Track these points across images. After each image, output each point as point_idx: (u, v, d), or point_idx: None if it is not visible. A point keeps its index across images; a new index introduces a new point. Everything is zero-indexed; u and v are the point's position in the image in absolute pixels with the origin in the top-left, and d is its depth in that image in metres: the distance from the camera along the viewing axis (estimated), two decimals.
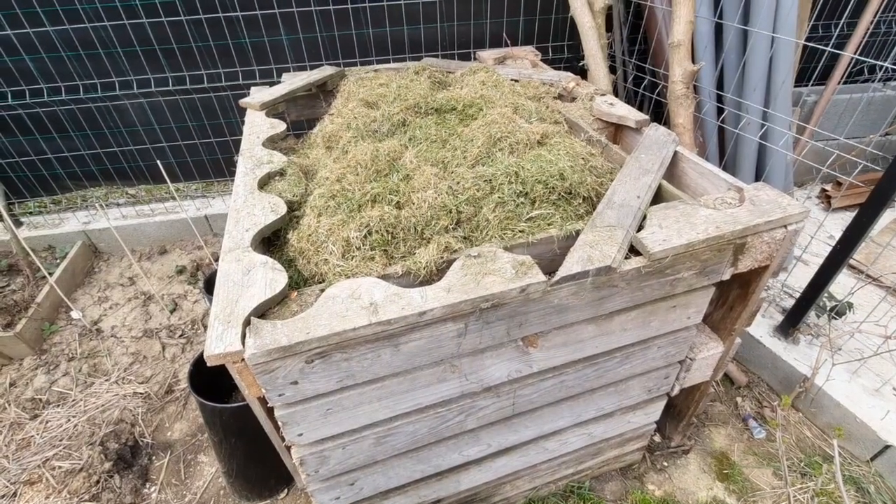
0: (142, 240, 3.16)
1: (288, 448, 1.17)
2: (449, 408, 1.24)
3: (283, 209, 1.28)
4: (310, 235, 1.21)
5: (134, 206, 3.19)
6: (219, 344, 0.90)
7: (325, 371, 0.99)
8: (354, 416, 1.13)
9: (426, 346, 1.05)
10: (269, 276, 1.04)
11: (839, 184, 3.12)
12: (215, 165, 3.21)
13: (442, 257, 1.13)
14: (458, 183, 1.32)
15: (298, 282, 1.21)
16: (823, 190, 3.23)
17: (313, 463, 1.18)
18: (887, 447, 1.82)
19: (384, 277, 1.09)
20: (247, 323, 0.94)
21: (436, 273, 1.12)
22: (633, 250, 1.15)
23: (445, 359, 1.11)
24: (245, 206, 1.29)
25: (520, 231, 1.23)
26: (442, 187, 1.29)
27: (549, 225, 1.25)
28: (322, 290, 1.04)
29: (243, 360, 0.90)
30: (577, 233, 1.19)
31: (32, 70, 2.68)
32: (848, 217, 2.99)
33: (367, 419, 1.15)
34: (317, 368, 0.98)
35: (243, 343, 0.90)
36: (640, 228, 1.18)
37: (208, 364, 0.90)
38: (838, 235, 1.86)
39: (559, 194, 1.30)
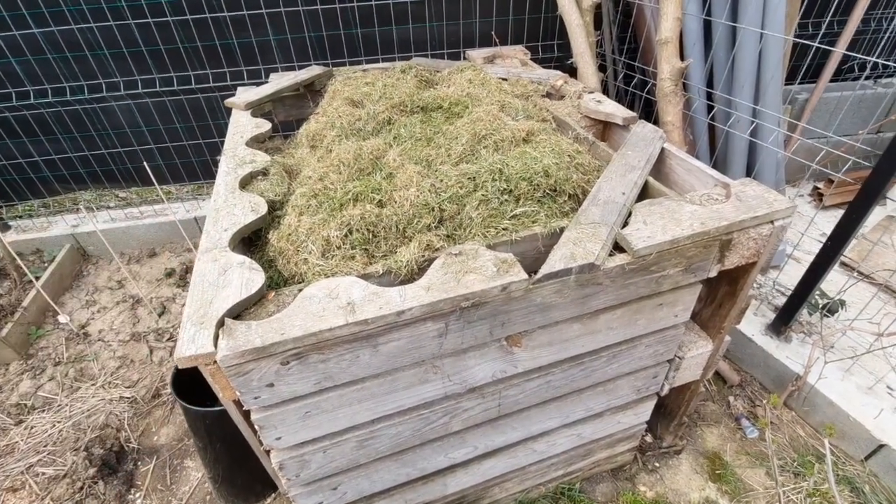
0: (131, 242, 3.13)
1: (267, 452, 1.14)
2: (433, 409, 1.22)
3: (263, 209, 1.26)
4: (290, 235, 1.19)
5: (123, 209, 3.17)
6: (190, 346, 0.87)
7: (301, 373, 0.97)
8: (334, 418, 1.10)
9: (406, 347, 1.03)
10: (246, 276, 1.02)
11: (831, 181, 3.12)
12: (204, 167, 3.19)
13: (423, 256, 1.11)
14: (442, 181, 1.30)
15: (279, 282, 1.19)
16: (815, 188, 3.22)
17: (293, 467, 1.16)
18: (881, 446, 1.80)
19: (364, 277, 1.07)
20: (220, 324, 0.92)
21: (417, 272, 1.10)
22: (619, 247, 1.13)
23: (427, 359, 1.09)
24: (225, 205, 1.27)
25: (503, 229, 1.21)
26: (425, 185, 1.27)
27: (533, 222, 1.23)
28: (300, 290, 1.01)
29: (216, 362, 0.88)
30: (562, 230, 1.17)
31: (18, 72, 2.65)
32: (840, 214, 2.98)
33: (347, 422, 1.13)
34: (293, 370, 0.96)
35: (216, 345, 0.88)
36: (625, 225, 1.16)
37: (180, 367, 0.88)
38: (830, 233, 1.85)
39: (544, 191, 1.29)
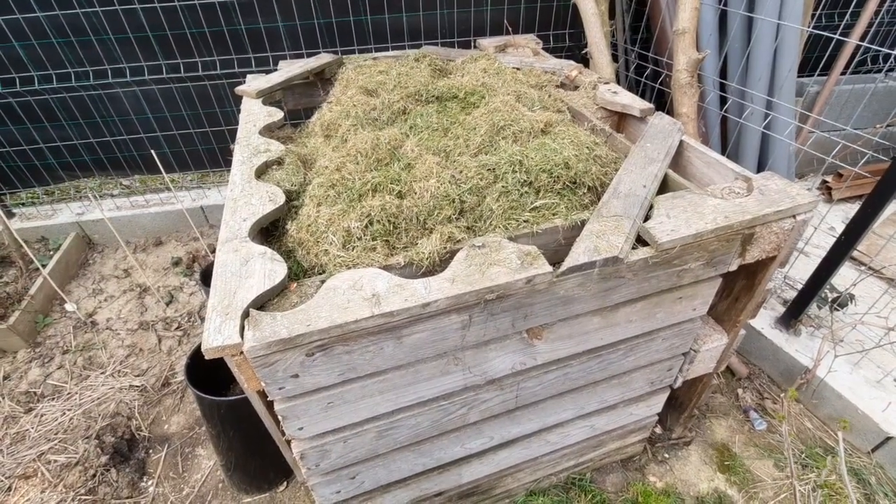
0: (137, 231, 3.11)
1: (288, 442, 1.14)
2: (452, 401, 1.22)
3: (281, 198, 1.25)
4: (309, 226, 1.18)
5: (128, 197, 3.15)
6: (217, 336, 0.87)
7: (326, 364, 0.97)
8: (356, 409, 1.10)
9: (430, 339, 1.03)
10: (268, 267, 1.02)
11: (840, 175, 3.11)
12: (211, 155, 3.16)
13: (445, 247, 1.11)
14: (461, 172, 1.29)
15: (298, 273, 1.18)
16: (824, 181, 3.21)
17: (314, 457, 1.16)
18: (889, 439, 1.82)
19: (386, 268, 1.06)
20: (245, 315, 0.92)
21: (438, 264, 1.10)
22: (640, 240, 1.13)
23: (449, 351, 1.09)
24: (242, 195, 1.26)
25: (524, 221, 1.20)
26: (444, 176, 1.26)
27: (553, 215, 1.22)
28: (323, 282, 1.01)
29: (242, 353, 0.88)
30: (583, 223, 1.17)
31: (22, 57, 2.62)
32: (849, 208, 2.98)
33: (368, 413, 1.13)
34: (318, 361, 0.96)
35: (242, 336, 0.88)
36: (646, 218, 1.15)
37: (206, 357, 0.87)
38: (839, 227, 1.85)
39: (564, 183, 1.28)
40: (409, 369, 1.08)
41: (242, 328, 0.89)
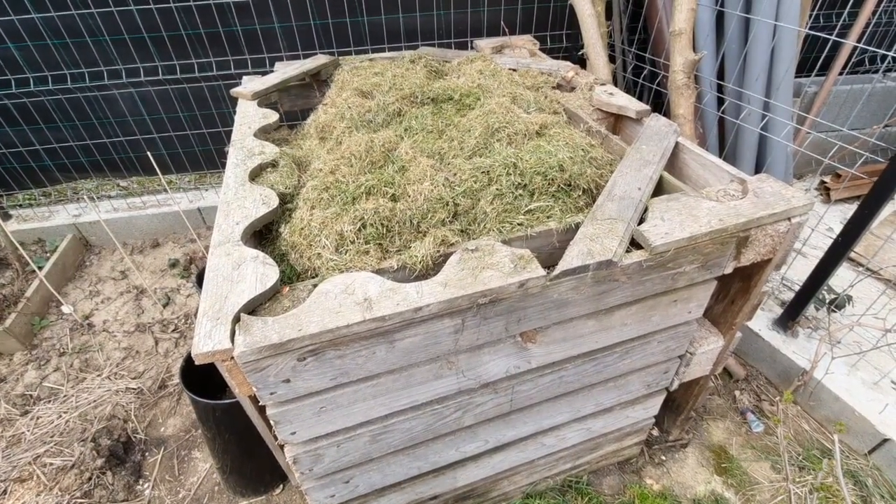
0: (133, 233, 3.11)
1: (281, 446, 1.14)
2: (446, 405, 1.22)
3: (275, 202, 1.24)
4: (302, 229, 1.18)
5: (125, 199, 3.14)
6: (207, 342, 0.86)
7: (318, 369, 0.96)
8: (349, 413, 1.10)
9: (422, 343, 1.02)
10: (260, 271, 1.01)
11: (838, 175, 3.10)
12: (207, 157, 3.16)
13: (438, 251, 1.10)
14: (455, 174, 1.29)
15: (291, 276, 1.18)
16: (822, 182, 3.21)
17: (307, 461, 1.16)
18: (885, 440, 1.81)
19: (379, 272, 1.06)
20: (236, 320, 0.91)
21: (432, 267, 1.09)
22: (635, 243, 1.12)
23: (442, 355, 1.08)
24: (236, 198, 1.25)
25: (518, 224, 1.20)
26: (438, 179, 1.25)
27: (548, 217, 1.22)
28: (315, 286, 1.00)
29: (233, 358, 0.87)
30: (577, 226, 1.16)
31: (18, 59, 2.61)
32: (847, 209, 2.98)
33: (362, 417, 1.12)
34: (309, 366, 0.95)
35: (233, 341, 0.87)
36: (641, 221, 1.15)
37: (196, 362, 0.87)
38: (837, 227, 1.84)
39: (558, 186, 1.27)
40: (402, 373, 1.07)
41: (233, 333, 0.89)
